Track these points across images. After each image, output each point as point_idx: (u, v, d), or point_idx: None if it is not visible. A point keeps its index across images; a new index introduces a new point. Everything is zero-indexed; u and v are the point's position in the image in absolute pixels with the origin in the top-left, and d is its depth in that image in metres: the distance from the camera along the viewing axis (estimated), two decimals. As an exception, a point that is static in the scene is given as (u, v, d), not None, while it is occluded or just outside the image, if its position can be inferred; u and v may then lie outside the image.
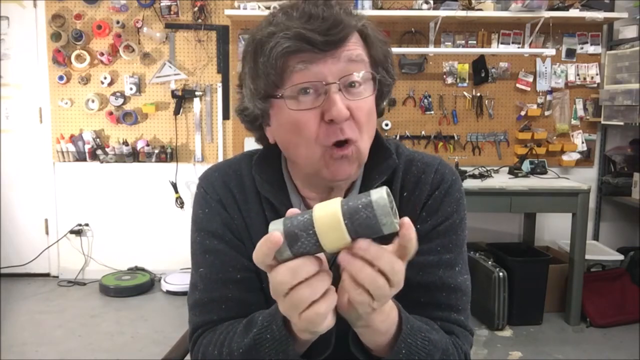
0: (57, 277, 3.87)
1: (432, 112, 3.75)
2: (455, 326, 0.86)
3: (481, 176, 3.28)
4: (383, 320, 0.70)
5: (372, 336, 0.71)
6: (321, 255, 0.61)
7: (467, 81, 3.73)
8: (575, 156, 3.75)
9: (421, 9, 3.43)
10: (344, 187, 0.90)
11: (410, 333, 0.73)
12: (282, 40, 0.76)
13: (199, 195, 0.95)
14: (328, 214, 0.59)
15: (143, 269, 3.84)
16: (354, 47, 0.79)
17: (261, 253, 0.61)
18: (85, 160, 3.75)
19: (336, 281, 0.64)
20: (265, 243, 0.60)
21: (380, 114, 0.91)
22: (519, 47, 3.67)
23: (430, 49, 3.62)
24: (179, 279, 3.63)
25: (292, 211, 0.64)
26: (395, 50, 3.47)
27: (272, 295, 0.63)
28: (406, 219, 0.61)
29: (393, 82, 0.88)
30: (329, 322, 0.63)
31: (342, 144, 0.79)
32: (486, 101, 3.74)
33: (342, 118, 0.77)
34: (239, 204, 0.92)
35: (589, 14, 3.43)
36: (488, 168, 3.50)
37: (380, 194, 0.58)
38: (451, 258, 0.88)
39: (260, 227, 0.89)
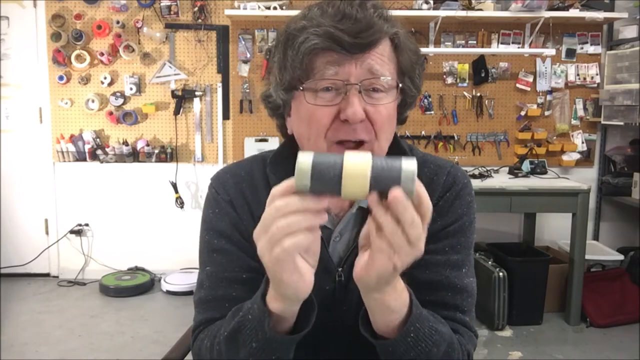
0: (57, 277, 3.87)
1: (432, 112, 3.75)
2: (460, 326, 0.86)
3: (481, 176, 3.28)
4: (396, 298, 0.70)
5: (383, 313, 0.71)
6: (324, 202, 0.60)
7: (467, 81, 3.72)
8: (575, 156, 3.75)
9: (421, 9, 3.43)
10: None
11: (420, 318, 0.73)
12: (312, 37, 0.77)
13: (210, 196, 0.96)
14: (358, 164, 0.59)
15: (143, 269, 3.84)
16: (382, 53, 0.79)
17: (280, 188, 0.61)
18: (85, 160, 3.74)
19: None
20: (284, 184, 0.61)
21: (402, 121, 0.91)
22: (519, 47, 3.66)
23: (430, 49, 3.61)
24: (179, 279, 3.63)
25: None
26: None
27: (255, 239, 0.63)
28: (421, 190, 0.61)
29: (417, 93, 0.88)
30: (304, 285, 0.63)
31: (354, 144, 0.80)
32: (486, 101, 3.74)
33: (356, 119, 0.78)
34: (251, 206, 0.92)
35: (589, 14, 3.43)
36: (488, 168, 3.50)
37: (409, 163, 0.60)
38: (459, 259, 0.88)
39: None
